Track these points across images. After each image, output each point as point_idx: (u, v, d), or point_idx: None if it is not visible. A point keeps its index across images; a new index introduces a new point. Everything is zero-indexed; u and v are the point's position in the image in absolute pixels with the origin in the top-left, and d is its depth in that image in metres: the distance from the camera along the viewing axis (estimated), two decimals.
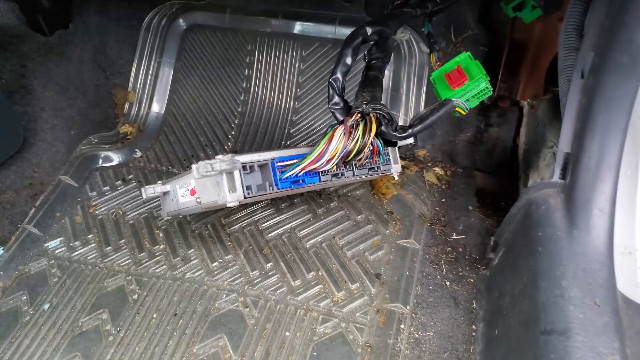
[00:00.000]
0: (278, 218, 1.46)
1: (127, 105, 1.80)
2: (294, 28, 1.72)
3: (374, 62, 1.23)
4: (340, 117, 1.09)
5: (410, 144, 1.24)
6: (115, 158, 1.70)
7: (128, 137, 1.76)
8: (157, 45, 1.80)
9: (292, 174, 1.05)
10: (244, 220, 1.47)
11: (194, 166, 0.97)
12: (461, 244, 1.38)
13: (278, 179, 1.04)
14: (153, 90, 1.81)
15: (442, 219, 1.46)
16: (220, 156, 0.98)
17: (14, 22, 1.62)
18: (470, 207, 1.47)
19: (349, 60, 1.11)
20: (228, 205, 0.99)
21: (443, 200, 1.51)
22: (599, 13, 1.00)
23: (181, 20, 1.81)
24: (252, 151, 1.68)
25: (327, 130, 1.05)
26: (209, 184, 1.05)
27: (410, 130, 1.09)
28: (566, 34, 1.22)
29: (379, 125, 1.08)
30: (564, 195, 1.01)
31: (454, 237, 1.40)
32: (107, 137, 1.74)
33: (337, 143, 1.02)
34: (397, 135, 1.09)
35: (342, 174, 1.14)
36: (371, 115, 1.07)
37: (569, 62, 1.18)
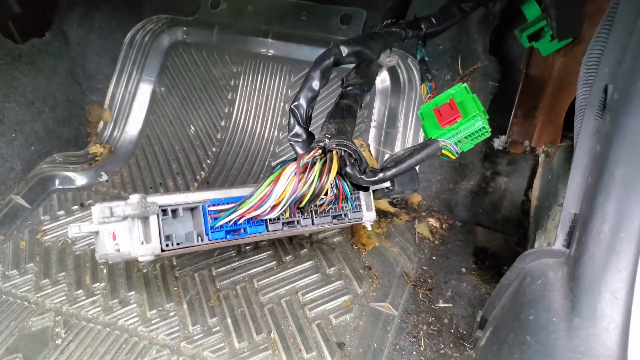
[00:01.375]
0: (237, 263, 1.25)
1: (101, 124, 1.66)
2: (284, 50, 1.55)
3: (349, 88, 1.03)
4: (301, 152, 0.89)
5: (387, 188, 1.00)
6: (78, 180, 1.54)
7: (97, 158, 1.61)
8: (139, 62, 1.67)
9: (227, 222, 0.83)
10: (197, 262, 1.27)
11: (93, 208, 0.77)
12: (447, 314, 1.14)
13: (209, 228, 0.82)
14: (130, 109, 1.66)
15: (429, 281, 1.22)
16: (133, 196, 0.77)
17: None
18: (463, 269, 1.22)
19: (315, 85, 0.92)
20: (140, 260, 0.78)
21: (434, 258, 1.27)
22: (621, 34, 0.78)
23: (166, 36, 1.67)
24: (224, 185, 1.50)
25: (274, 167, 0.84)
26: (127, 228, 0.84)
27: (381, 175, 0.86)
28: (587, 68, 0.99)
29: (343, 165, 0.86)
30: (567, 269, 0.76)
31: (440, 304, 1.16)
32: (73, 157, 1.59)
33: (285, 185, 0.79)
34: (365, 178, 0.86)
35: (298, 222, 0.92)
36: (334, 152, 0.86)
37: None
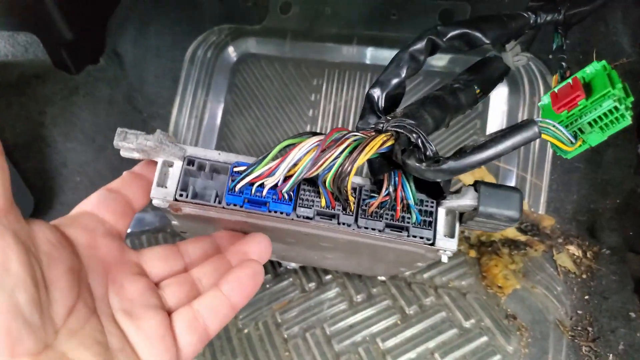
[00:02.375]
0: (352, 318, 1.07)
1: None
2: (373, 57, 1.34)
3: (451, 82, 0.80)
4: None
5: (473, 206, 0.70)
6: (149, 217, 1.38)
7: None
8: (203, 80, 1.48)
9: (242, 184, 0.64)
10: (305, 317, 1.09)
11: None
12: None
13: (228, 190, 0.64)
14: (198, 134, 1.48)
15: (589, 329, 1.01)
16: (157, 132, 0.60)
17: (36, 59, 1.35)
18: (632, 314, 1.01)
19: (401, 69, 0.69)
20: (153, 202, 0.62)
21: (587, 297, 1.07)
22: None
23: (231, 49, 1.48)
24: None
25: (297, 134, 0.62)
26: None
27: (450, 162, 0.58)
28: None
29: (399, 153, 0.62)
30: None
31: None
32: None
33: (304, 154, 0.59)
34: (423, 167, 0.61)
35: (336, 216, 0.68)
36: (383, 135, 0.62)
37: None
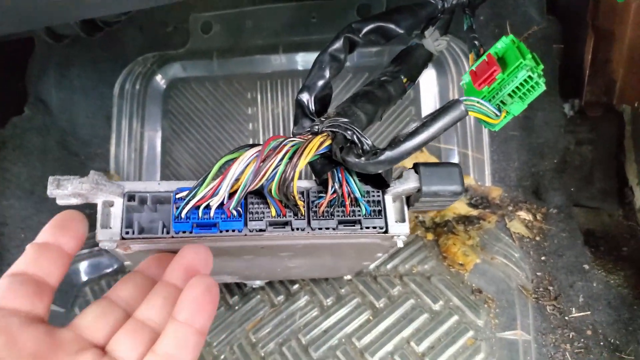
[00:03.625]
0: (325, 323, 1.08)
1: None
2: (301, 62, 1.34)
3: (378, 75, 0.82)
4: None
5: (416, 188, 0.72)
6: (104, 263, 1.34)
7: None
8: (137, 112, 1.45)
9: (187, 211, 0.64)
10: (279, 331, 1.08)
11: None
12: (588, 325, 0.98)
13: (175, 219, 0.64)
14: (140, 167, 1.45)
15: (550, 288, 1.05)
16: (91, 173, 0.59)
17: None
18: (586, 266, 1.06)
19: (324, 71, 0.70)
20: (100, 245, 0.63)
21: (543, 258, 1.11)
22: None
23: (159, 77, 1.45)
24: None
25: (233, 149, 0.63)
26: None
27: (387, 153, 0.61)
28: None
29: (338, 152, 0.64)
30: None
31: (575, 314, 1.00)
32: (91, 238, 1.38)
33: (244, 167, 0.60)
34: (363, 161, 0.62)
35: (289, 223, 0.66)
36: (319, 135, 0.64)
37: None
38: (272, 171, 0.60)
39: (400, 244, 0.73)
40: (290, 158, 0.60)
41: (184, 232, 0.63)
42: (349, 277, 1.13)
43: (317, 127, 0.66)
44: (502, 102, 0.69)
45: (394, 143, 0.61)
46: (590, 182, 1.19)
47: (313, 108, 0.71)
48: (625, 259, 1.09)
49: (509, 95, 0.68)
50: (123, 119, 1.45)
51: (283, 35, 1.35)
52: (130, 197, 0.63)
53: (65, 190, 0.57)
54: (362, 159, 0.60)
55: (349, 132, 0.63)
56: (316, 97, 0.71)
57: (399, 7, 0.83)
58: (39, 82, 1.41)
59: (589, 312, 0.99)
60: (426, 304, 1.05)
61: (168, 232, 0.64)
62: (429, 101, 1.26)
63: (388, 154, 0.59)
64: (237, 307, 1.14)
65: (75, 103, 1.43)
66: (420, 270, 1.13)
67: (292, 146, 0.61)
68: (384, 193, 0.70)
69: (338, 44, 0.73)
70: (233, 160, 0.60)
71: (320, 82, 0.71)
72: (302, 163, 0.62)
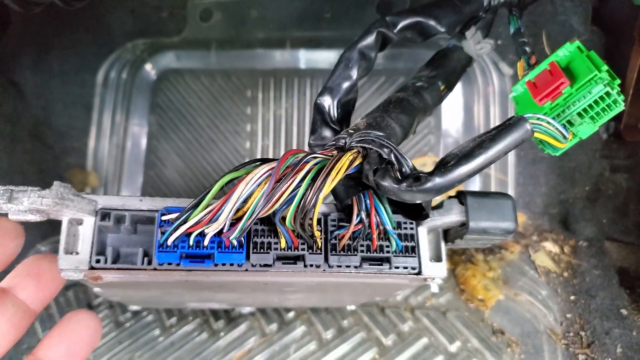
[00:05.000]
0: (324, 359, 0.93)
1: (87, 191, 1.29)
2: (310, 60, 1.21)
3: (412, 81, 0.69)
4: None
5: (460, 222, 0.59)
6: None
7: None
8: (121, 104, 1.29)
9: (176, 238, 0.49)
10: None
11: None
12: None
13: (159, 246, 0.49)
14: (122, 167, 1.29)
15: (582, 334, 0.93)
16: (55, 184, 0.46)
17: None
18: (623, 311, 0.94)
19: (351, 70, 0.58)
20: (61, 275, 0.49)
21: (572, 298, 0.98)
22: None
23: (150, 67, 1.30)
24: None
25: (239, 165, 0.50)
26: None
27: (436, 180, 0.47)
28: None
29: (371, 173, 0.50)
30: None
31: None
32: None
33: (252, 187, 0.46)
34: (405, 188, 0.48)
35: (302, 258, 0.53)
36: (349, 151, 0.50)
37: None
38: (289, 195, 0.46)
39: (435, 289, 0.60)
40: (313, 179, 0.47)
41: (170, 263, 0.49)
42: (353, 307, 0.99)
43: (343, 140, 0.52)
44: (568, 121, 0.57)
45: (443, 167, 0.48)
46: (625, 214, 1.07)
47: (335, 115, 0.58)
48: None
49: (579, 114, 0.56)
50: (105, 110, 1.30)
51: (291, 29, 1.21)
52: (104, 216, 0.49)
53: (19, 205, 0.44)
54: (403, 185, 0.47)
55: (385, 150, 0.50)
56: (340, 101, 0.58)
57: (439, 1, 0.70)
58: (13, 62, 1.25)
59: None
60: (441, 343, 0.92)
61: (150, 263, 0.50)
62: (451, 112, 1.14)
63: (437, 181, 0.46)
64: (222, 334, 1.00)
65: (53, 89, 1.28)
66: (435, 303, 0.99)
67: (315, 164, 0.47)
68: (417, 224, 0.57)
69: (369, 39, 0.61)
70: (239, 178, 0.46)
71: (346, 84, 0.59)
72: (328, 187, 0.48)
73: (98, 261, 0.49)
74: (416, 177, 0.48)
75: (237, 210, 0.46)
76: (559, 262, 1.04)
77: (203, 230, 0.48)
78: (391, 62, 1.22)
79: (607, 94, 0.54)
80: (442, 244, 0.60)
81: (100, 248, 0.49)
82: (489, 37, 0.79)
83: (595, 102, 0.55)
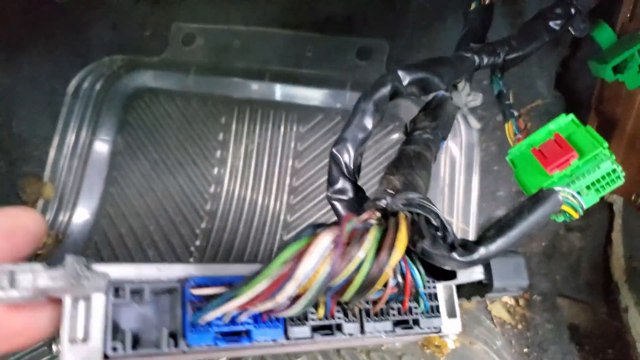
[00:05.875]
0: None
1: (40, 202, 1.23)
2: (287, 94, 1.23)
3: (417, 132, 0.70)
4: (345, 213, 0.55)
5: (481, 281, 0.62)
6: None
7: (39, 252, 1.17)
8: (90, 117, 1.26)
9: (219, 316, 0.46)
10: None
11: None
12: None
13: (188, 325, 0.44)
14: (81, 181, 1.25)
15: None
16: (68, 258, 0.39)
17: None
18: None
19: (367, 121, 0.57)
20: None
21: (525, 350, 1.00)
22: None
23: (125, 82, 1.29)
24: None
25: (299, 233, 0.45)
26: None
27: (482, 250, 0.48)
28: None
29: (417, 238, 0.51)
30: None
31: None
32: None
33: (317, 263, 0.42)
34: (458, 258, 0.50)
35: (338, 327, 0.52)
36: (400, 215, 0.50)
37: None
38: (354, 270, 0.43)
39: (451, 345, 0.61)
40: (379, 249, 0.44)
41: (203, 345, 0.44)
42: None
43: (384, 202, 0.52)
44: (579, 191, 0.62)
45: (486, 238, 0.48)
46: (576, 272, 1.11)
47: (352, 166, 0.56)
48: None
49: (587, 186, 0.61)
50: (72, 121, 1.26)
51: (271, 63, 1.23)
52: (118, 290, 0.43)
53: (23, 291, 0.36)
54: (454, 254, 0.47)
55: (432, 215, 0.49)
56: (356, 152, 0.58)
57: (441, 59, 0.73)
58: None
59: None
60: None
61: (176, 345, 0.43)
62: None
63: (482, 251, 0.47)
64: None
65: (19, 93, 1.23)
66: (391, 347, 0.98)
67: (377, 228, 0.45)
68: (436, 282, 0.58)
69: (384, 92, 0.60)
70: (301, 249, 0.42)
71: (362, 135, 0.58)
72: (395, 260, 0.45)
73: (115, 349, 0.41)
74: (463, 245, 0.48)
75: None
76: (514, 313, 1.06)
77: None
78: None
79: (614, 170, 0.59)
80: (456, 301, 0.60)
81: (115, 331, 0.42)
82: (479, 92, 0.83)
83: (603, 176, 0.60)
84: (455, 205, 1.15)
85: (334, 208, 0.55)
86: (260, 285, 0.41)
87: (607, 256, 1.14)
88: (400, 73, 0.62)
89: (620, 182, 0.60)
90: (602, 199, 1.15)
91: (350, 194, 0.55)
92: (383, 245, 0.44)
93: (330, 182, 0.56)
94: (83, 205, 1.23)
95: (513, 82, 1.14)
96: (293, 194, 1.21)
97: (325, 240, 0.42)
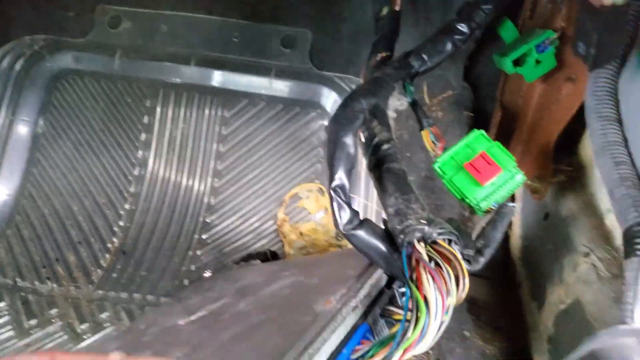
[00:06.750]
0: None
1: None
2: (213, 79, 1.25)
3: (386, 147, 0.76)
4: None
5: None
6: None
7: None
8: (10, 98, 1.24)
9: None
10: None
11: None
12: None
13: None
14: (1, 160, 1.23)
15: (430, 351, 1.02)
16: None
17: None
18: (466, 333, 1.05)
19: (352, 151, 0.64)
20: None
21: None
22: None
23: (48, 63, 1.28)
24: (145, 254, 1.17)
25: (405, 281, 0.54)
26: None
27: (481, 260, 0.66)
28: (598, 100, 0.88)
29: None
30: None
31: None
32: None
33: (436, 295, 0.51)
34: (473, 269, 0.64)
35: None
36: (441, 242, 0.59)
37: (611, 137, 0.84)
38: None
39: None
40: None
41: None
42: None
43: (420, 233, 0.58)
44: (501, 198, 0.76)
45: (481, 249, 0.65)
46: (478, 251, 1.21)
47: (349, 196, 0.61)
48: (502, 331, 1.10)
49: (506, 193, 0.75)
50: None
51: (198, 48, 1.25)
52: None
53: None
54: (471, 267, 0.62)
55: (454, 237, 0.60)
56: (349, 182, 0.62)
57: (378, 80, 0.82)
58: None
59: None
60: None
61: None
62: None
63: (482, 260, 0.63)
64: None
65: None
66: None
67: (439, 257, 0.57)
68: None
69: (358, 122, 0.67)
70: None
71: (350, 166, 0.63)
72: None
73: None
74: (474, 258, 0.63)
75: None
76: None
77: None
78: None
79: (523, 179, 0.75)
80: None
81: None
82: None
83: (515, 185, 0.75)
84: (370, 189, 1.22)
85: (350, 241, 0.60)
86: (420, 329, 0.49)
87: (508, 236, 1.25)
88: (363, 101, 0.69)
89: (520, 185, 0.76)
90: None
91: (356, 222, 0.60)
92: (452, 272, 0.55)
93: (339, 218, 0.59)
94: (3, 184, 1.22)
95: (426, 75, 1.22)
96: (217, 177, 1.25)
97: (425, 274, 0.52)
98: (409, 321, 0.48)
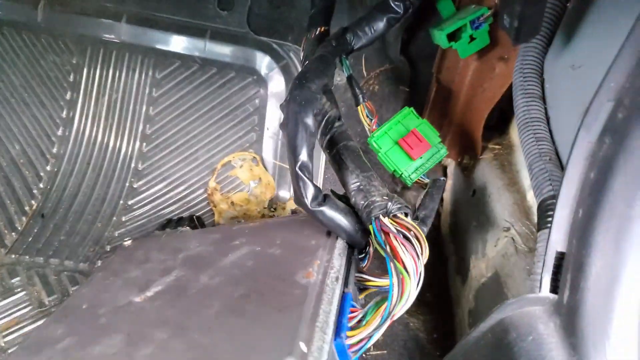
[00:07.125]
0: None
1: None
2: (145, 39, 1.19)
3: (338, 124, 0.80)
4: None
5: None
6: None
7: None
8: None
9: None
10: None
11: None
12: None
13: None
14: None
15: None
16: None
17: None
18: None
19: (313, 129, 0.66)
20: None
21: None
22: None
23: None
24: (67, 219, 1.11)
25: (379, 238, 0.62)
26: None
27: (425, 229, 0.72)
28: (524, 78, 0.90)
29: None
30: (561, 321, 0.63)
31: (372, 352, 0.98)
32: None
33: (411, 260, 0.60)
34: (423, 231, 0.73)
35: None
36: (400, 215, 0.65)
37: (534, 113, 0.86)
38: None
39: None
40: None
41: None
42: None
43: (383, 209, 0.64)
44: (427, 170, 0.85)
45: (424, 219, 0.74)
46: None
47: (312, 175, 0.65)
48: (426, 304, 1.12)
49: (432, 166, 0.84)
50: None
51: (129, 4, 1.19)
52: None
53: None
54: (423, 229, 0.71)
55: (408, 210, 0.66)
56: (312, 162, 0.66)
57: (323, 58, 0.86)
58: None
59: (385, 351, 0.97)
60: None
61: None
62: (273, 112, 1.20)
63: (425, 229, 0.70)
64: None
65: None
66: None
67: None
68: None
69: (316, 103, 0.69)
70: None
71: (313, 145, 0.66)
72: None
73: None
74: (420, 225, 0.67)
75: None
76: None
77: None
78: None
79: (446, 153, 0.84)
80: None
81: None
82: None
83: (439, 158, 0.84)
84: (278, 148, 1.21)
85: (316, 217, 0.64)
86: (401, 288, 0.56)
87: (439, 213, 1.26)
88: (317, 81, 0.71)
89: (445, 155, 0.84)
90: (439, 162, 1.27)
91: (321, 199, 0.64)
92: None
93: (307, 195, 0.62)
94: None
95: (364, 48, 1.20)
96: (146, 142, 1.20)
97: (400, 246, 0.60)
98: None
